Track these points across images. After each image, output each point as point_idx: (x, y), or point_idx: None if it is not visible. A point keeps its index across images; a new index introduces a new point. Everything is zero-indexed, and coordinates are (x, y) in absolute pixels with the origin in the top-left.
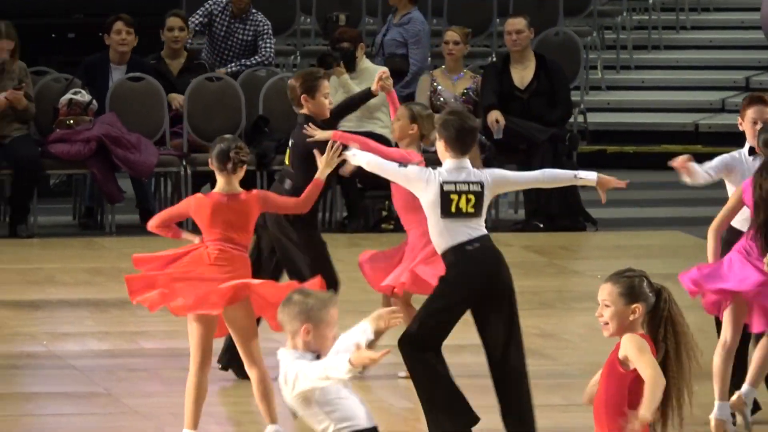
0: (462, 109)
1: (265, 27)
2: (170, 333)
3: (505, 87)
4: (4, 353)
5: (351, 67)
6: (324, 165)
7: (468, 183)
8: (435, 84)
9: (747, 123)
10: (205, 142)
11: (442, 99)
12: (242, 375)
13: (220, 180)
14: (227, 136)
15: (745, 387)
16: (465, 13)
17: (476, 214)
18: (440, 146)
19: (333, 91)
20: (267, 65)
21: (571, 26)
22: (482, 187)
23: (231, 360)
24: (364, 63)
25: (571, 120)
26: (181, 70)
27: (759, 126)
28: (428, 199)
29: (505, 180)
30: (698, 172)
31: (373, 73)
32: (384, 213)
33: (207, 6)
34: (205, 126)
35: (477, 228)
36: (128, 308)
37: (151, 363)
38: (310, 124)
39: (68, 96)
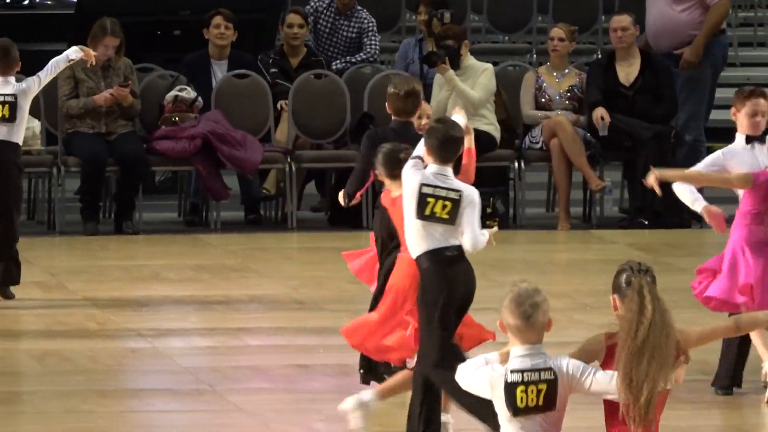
0: (449, 119)
1: (370, 24)
2: (275, 330)
3: (610, 84)
4: (109, 349)
5: (455, 64)
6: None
7: (447, 189)
8: (540, 81)
9: (742, 115)
10: (310, 138)
11: (547, 96)
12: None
13: (393, 184)
14: (387, 144)
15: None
16: (570, 10)
17: (450, 221)
18: (425, 152)
19: (437, 88)
20: (372, 62)
21: None
22: (460, 196)
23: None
24: (469, 60)
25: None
26: (299, 66)
27: (758, 119)
28: (407, 193)
29: None
30: (682, 189)
31: (478, 71)
32: (489, 210)
33: (313, 3)
34: (309, 123)
35: (454, 237)
36: (233, 305)
37: (255, 360)
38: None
39: (173, 93)
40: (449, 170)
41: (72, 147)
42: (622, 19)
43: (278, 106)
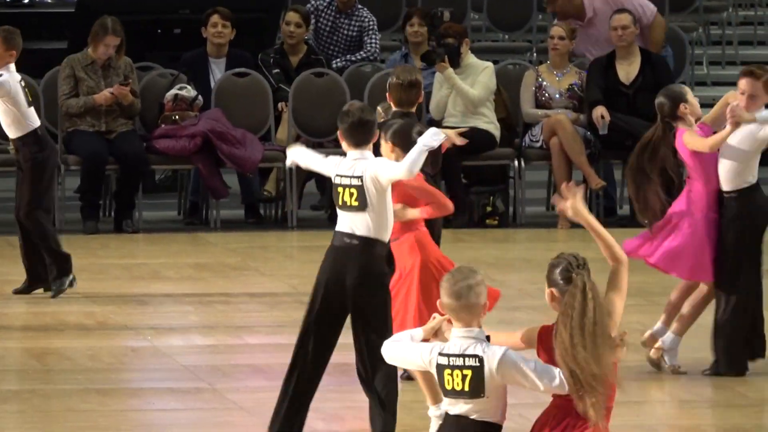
0: (363, 104)
1: (371, 23)
2: (275, 328)
3: (611, 83)
4: (109, 348)
5: (456, 62)
6: None
7: (351, 177)
8: (540, 79)
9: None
10: (310, 137)
11: (547, 95)
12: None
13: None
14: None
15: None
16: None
17: (360, 207)
18: (340, 137)
19: (438, 86)
20: (372, 61)
21: (677, 22)
22: (362, 180)
23: None
24: (469, 59)
25: None
26: (299, 65)
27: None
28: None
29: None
30: None
31: (478, 69)
32: (489, 209)
33: (313, 1)
34: (310, 122)
35: (360, 224)
36: (233, 303)
37: (255, 358)
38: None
39: (173, 91)
40: (364, 152)
41: (72, 146)
42: (623, 18)
43: (279, 107)
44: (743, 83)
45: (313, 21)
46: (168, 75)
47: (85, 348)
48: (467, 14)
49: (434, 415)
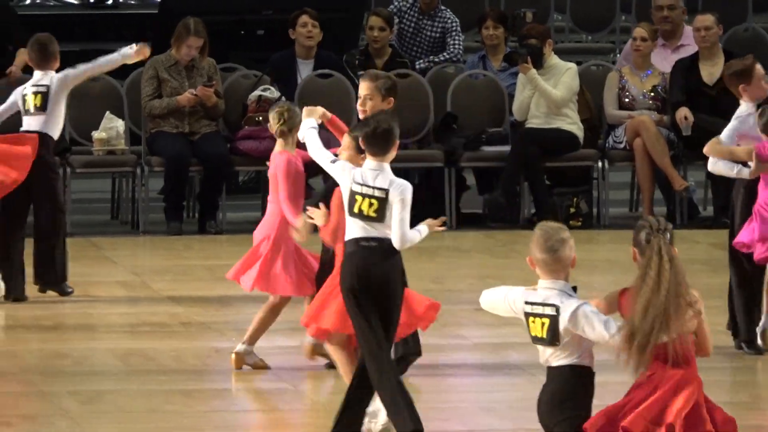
0: (388, 114)
1: (454, 24)
2: None
3: (694, 84)
4: (192, 349)
5: (538, 63)
6: None
7: (374, 188)
8: (623, 81)
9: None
10: None
11: (630, 95)
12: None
13: None
14: None
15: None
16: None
17: (378, 219)
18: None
19: (521, 87)
20: (455, 62)
21: (761, 22)
22: (387, 194)
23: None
24: (552, 59)
25: None
26: (383, 67)
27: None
28: (345, 195)
29: None
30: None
31: (561, 70)
32: (572, 210)
33: (396, 2)
34: None
35: (376, 230)
36: None
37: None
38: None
39: (257, 93)
40: (382, 165)
41: (155, 147)
42: (705, 19)
43: None
44: None
45: (396, 22)
46: (252, 76)
47: (169, 349)
48: (550, 15)
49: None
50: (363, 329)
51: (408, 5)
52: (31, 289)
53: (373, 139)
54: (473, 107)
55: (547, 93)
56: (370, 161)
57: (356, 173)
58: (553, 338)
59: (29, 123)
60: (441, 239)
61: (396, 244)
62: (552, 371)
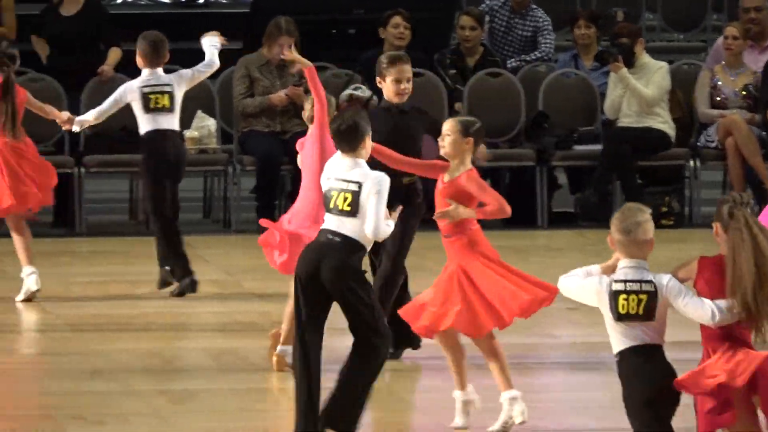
0: (354, 110)
1: (545, 23)
2: None
3: None
4: None
5: (630, 62)
6: None
7: (348, 182)
8: (715, 79)
9: None
10: (485, 137)
11: (722, 94)
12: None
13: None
14: None
15: None
16: None
17: (351, 213)
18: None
19: (612, 86)
20: (547, 61)
21: None
22: (360, 187)
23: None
24: (644, 58)
25: None
26: (476, 66)
27: None
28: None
29: None
30: None
31: (652, 69)
32: (664, 209)
33: (488, 1)
34: (484, 122)
35: (346, 227)
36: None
37: (422, 357)
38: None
39: (348, 91)
40: (356, 160)
41: (247, 146)
42: None
43: (455, 107)
44: None
45: (487, 21)
46: (343, 75)
47: (261, 348)
48: (642, 14)
49: (460, 399)
50: (297, 317)
51: (499, 4)
52: (125, 287)
53: (340, 136)
54: (565, 106)
55: (639, 92)
56: (344, 158)
57: (331, 169)
58: (649, 314)
59: (157, 121)
60: (533, 239)
61: (369, 234)
62: (648, 349)
